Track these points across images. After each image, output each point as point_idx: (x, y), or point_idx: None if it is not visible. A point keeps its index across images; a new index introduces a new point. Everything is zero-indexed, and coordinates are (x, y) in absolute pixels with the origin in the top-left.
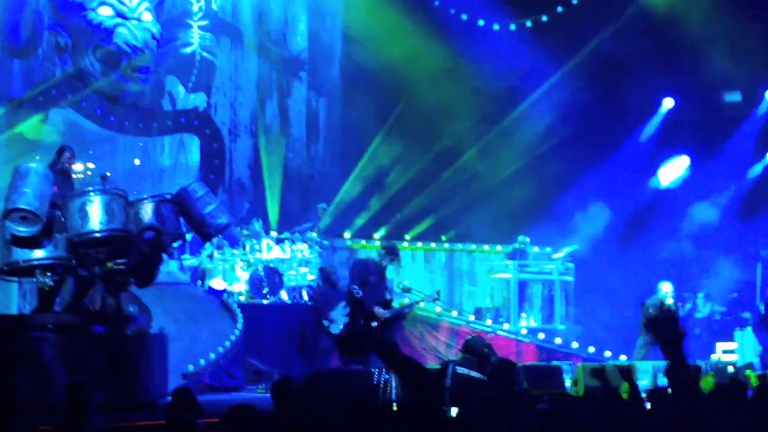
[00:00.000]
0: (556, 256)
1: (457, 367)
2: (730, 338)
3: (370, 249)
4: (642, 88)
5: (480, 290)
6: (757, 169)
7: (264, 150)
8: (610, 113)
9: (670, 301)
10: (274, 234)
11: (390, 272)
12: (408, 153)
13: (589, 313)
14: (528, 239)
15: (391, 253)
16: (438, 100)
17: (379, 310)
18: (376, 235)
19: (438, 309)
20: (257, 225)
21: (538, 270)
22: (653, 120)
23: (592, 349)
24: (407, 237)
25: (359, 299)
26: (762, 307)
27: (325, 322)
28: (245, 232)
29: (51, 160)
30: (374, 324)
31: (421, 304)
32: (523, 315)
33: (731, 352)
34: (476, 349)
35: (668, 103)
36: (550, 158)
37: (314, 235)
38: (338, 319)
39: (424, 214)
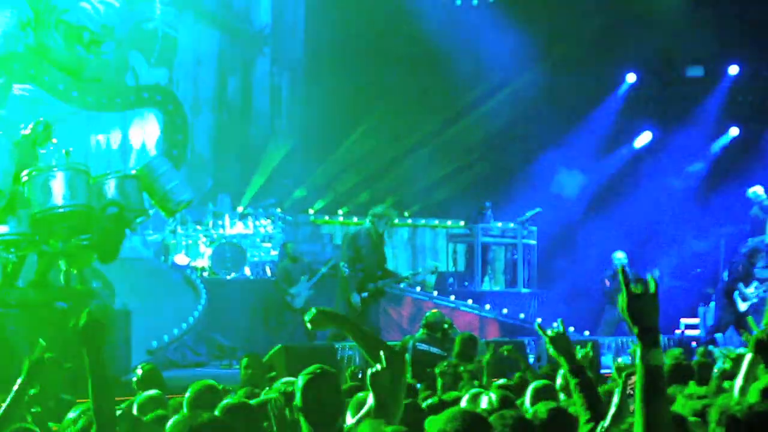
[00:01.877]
0: (519, 219)
1: (418, 343)
2: (694, 314)
3: (334, 225)
4: (604, 63)
5: (442, 257)
6: (720, 143)
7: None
8: (573, 88)
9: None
10: (240, 210)
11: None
12: (372, 129)
13: (553, 278)
14: (489, 203)
15: (382, 216)
16: (403, 75)
17: (354, 297)
18: (340, 212)
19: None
20: (225, 201)
21: (500, 234)
22: (616, 95)
23: (555, 325)
24: (370, 213)
25: (345, 278)
26: (725, 274)
27: (287, 298)
28: (211, 207)
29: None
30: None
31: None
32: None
33: (694, 327)
34: (437, 325)
35: (630, 78)
36: (513, 135)
37: (278, 210)
38: (302, 293)
39: (386, 190)
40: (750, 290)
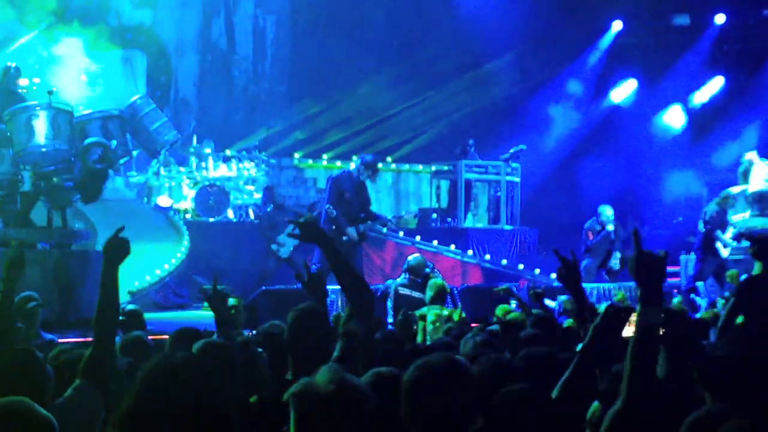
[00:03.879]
0: (502, 156)
1: (400, 287)
2: (676, 262)
3: (317, 168)
4: (591, 10)
5: (425, 194)
6: (704, 94)
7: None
8: (559, 36)
9: (611, 227)
10: (228, 152)
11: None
12: (359, 73)
13: (535, 213)
14: (473, 141)
15: (369, 167)
16: (388, 20)
17: (351, 231)
18: (324, 156)
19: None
20: (209, 146)
21: (484, 170)
22: (602, 42)
23: (537, 271)
24: (354, 158)
25: (334, 218)
26: (701, 225)
27: (273, 246)
28: (192, 149)
29: None
30: (345, 238)
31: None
32: (470, 215)
33: (676, 276)
34: (420, 270)
35: (617, 25)
36: (498, 79)
37: (261, 154)
38: (287, 242)
39: (373, 135)
40: (728, 236)
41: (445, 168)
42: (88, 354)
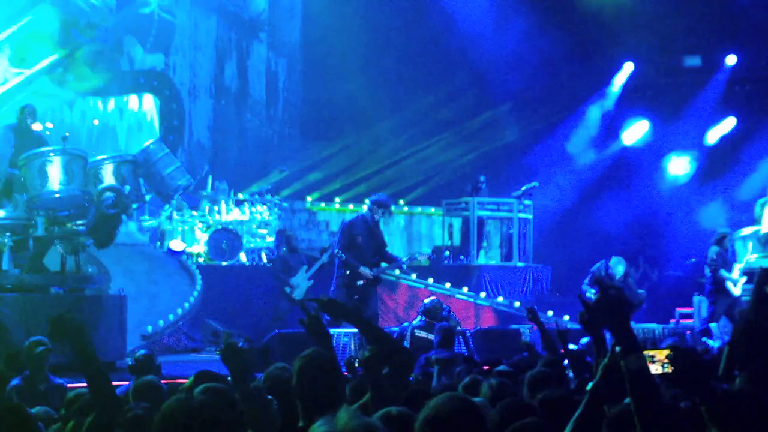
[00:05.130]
0: (515, 193)
1: (416, 330)
2: (689, 303)
3: (330, 211)
4: (603, 51)
5: (438, 232)
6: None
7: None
8: (572, 76)
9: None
10: (241, 196)
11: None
12: (370, 116)
13: (548, 252)
14: (484, 177)
15: (381, 206)
16: (400, 61)
17: (365, 270)
18: (336, 199)
19: (397, 271)
20: (222, 187)
21: (496, 207)
22: (613, 83)
23: (550, 313)
24: (366, 201)
25: (344, 261)
26: (706, 270)
27: (287, 289)
28: (204, 193)
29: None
30: (360, 282)
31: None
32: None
33: (689, 317)
34: (436, 313)
35: (628, 67)
36: (509, 122)
37: (274, 197)
38: (301, 284)
39: (385, 178)
40: (735, 274)
41: (457, 202)
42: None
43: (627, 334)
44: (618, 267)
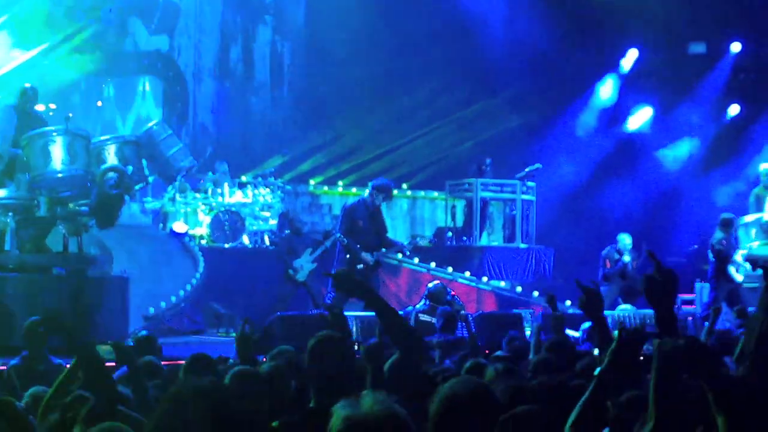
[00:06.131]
0: (518, 175)
1: (420, 314)
2: (692, 290)
3: (333, 195)
4: (608, 38)
5: (440, 213)
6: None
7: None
8: (577, 62)
9: (627, 258)
10: (244, 179)
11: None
12: (375, 100)
13: (551, 235)
14: (489, 160)
15: (382, 191)
16: (405, 46)
17: (366, 256)
18: (339, 182)
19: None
20: (222, 168)
21: (499, 188)
22: (619, 69)
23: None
24: (370, 184)
25: (346, 246)
26: (710, 255)
27: (290, 271)
28: (210, 175)
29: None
30: (360, 266)
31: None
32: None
33: (691, 303)
34: (440, 297)
35: (633, 53)
36: (513, 107)
37: (277, 180)
38: (304, 267)
39: (388, 161)
40: (738, 258)
41: (461, 183)
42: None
43: (671, 315)
44: (624, 240)
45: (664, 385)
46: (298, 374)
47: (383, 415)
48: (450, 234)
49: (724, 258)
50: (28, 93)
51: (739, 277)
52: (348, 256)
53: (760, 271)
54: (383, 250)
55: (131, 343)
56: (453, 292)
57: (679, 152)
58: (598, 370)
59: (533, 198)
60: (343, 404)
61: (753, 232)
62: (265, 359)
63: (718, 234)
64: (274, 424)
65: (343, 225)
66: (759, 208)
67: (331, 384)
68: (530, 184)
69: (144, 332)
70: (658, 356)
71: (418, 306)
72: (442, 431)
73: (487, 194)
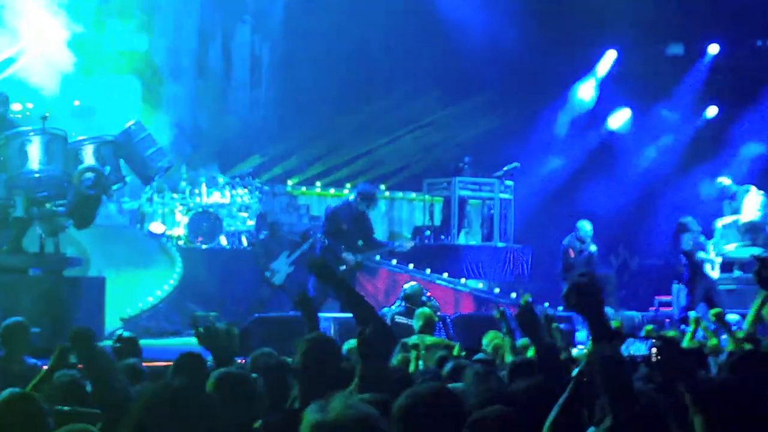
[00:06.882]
0: (496, 174)
1: (396, 316)
2: (669, 291)
3: (311, 195)
4: (586, 39)
5: (419, 212)
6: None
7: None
8: (556, 63)
9: (593, 248)
10: (222, 179)
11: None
12: (353, 101)
13: (529, 235)
14: (468, 158)
15: (365, 198)
16: (385, 47)
17: (347, 256)
18: (317, 183)
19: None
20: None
21: (477, 187)
22: (597, 71)
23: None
24: (348, 185)
25: (328, 247)
26: (682, 258)
27: (267, 273)
28: (184, 175)
29: None
30: (342, 267)
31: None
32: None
33: (669, 305)
34: (416, 299)
35: (611, 54)
36: (491, 109)
37: (255, 180)
38: (281, 270)
39: (366, 162)
40: (712, 254)
41: (439, 182)
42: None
43: (599, 320)
44: (585, 227)
45: (614, 388)
46: (278, 375)
47: (353, 419)
48: (428, 233)
49: (696, 259)
50: (1, 98)
51: (714, 274)
52: (329, 257)
53: (737, 273)
54: (368, 253)
55: (118, 345)
56: (429, 293)
57: (656, 153)
58: (575, 371)
59: (511, 197)
60: (312, 408)
61: (730, 234)
62: (243, 360)
63: (686, 236)
64: (256, 424)
65: (327, 226)
66: (734, 213)
67: (320, 384)
68: (508, 183)
69: (127, 333)
70: (600, 362)
71: (393, 307)
72: None
73: (465, 192)
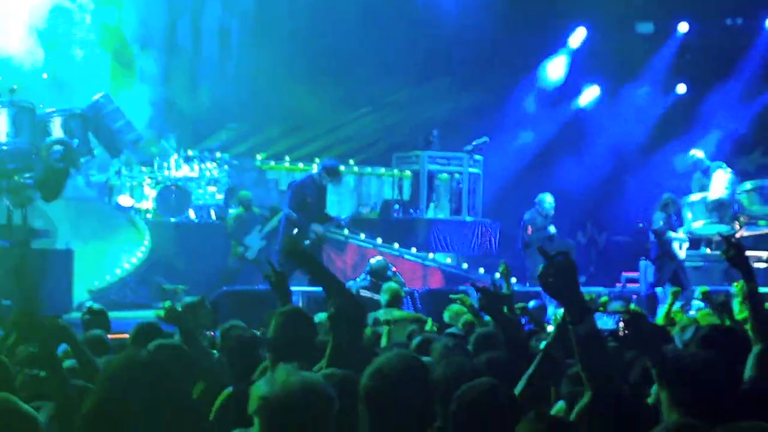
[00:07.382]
0: (465, 148)
1: (361, 290)
2: (636, 267)
3: (279, 170)
4: (556, 16)
5: (387, 186)
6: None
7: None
8: (525, 40)
9: (553, 229)
10: (191, 153)
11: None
12: (322, 77)
13: (498, 211)
14: (437, 132)
15: (330, 173)
16: (352, 26)
17: (317, 228)
18: (286, 157)
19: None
20: (168, 143)
21: (446, 161)
22: (567, 47)
23: (498, 275)
24: (317, 160)
25: (294, 220)
26: (652, 236)
27: (240, 248)
28: (153, 149)
29: None
30: (307, 242)
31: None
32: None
33: (636, 281)
34: (382, 273)
35: (581, 32)
36: (461, 86)
37: (224, 155)
38: (254, 245)
39: (335, 138)
40: (681, 234)
41: (407, 156)
42: None
43: (575, 300)
44: (546, 200)
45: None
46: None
47: (299, 389)
48: (397, 207)
49: (665, 239)
50: None
51: (682, 254)
52: (296, 231)
53: (703, 250)
54: (328, 224)
55: (87, 317)
56: (395, 268)
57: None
58: (543, 343)
59: (480, 172)
60: (259, 383)
61: (697, 211)
62: (213, 333)
63: (658, 215)
64: (227, 391)
65: (293, 201)
66: (702, 190)
67: (292, 358)
68: (477, 157)
69: (96, 305)
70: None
71: (358, 280)
72: (374, 405)
73: (434, 167)
